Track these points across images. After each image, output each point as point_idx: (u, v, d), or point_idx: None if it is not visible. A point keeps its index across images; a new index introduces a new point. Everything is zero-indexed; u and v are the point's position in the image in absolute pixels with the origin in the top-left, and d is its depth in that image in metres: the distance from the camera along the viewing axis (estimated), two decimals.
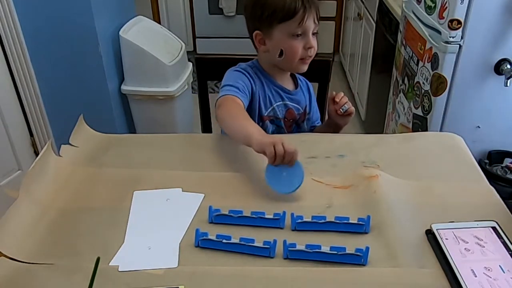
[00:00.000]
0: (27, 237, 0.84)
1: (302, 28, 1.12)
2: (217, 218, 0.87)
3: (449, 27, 1.38)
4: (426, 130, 1.55)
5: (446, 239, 0.80)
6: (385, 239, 0.82)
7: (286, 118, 1.25)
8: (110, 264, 0.78)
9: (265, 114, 1.23)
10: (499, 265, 0.75)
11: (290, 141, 0.91)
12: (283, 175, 0.93)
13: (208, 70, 1.48)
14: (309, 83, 1.34)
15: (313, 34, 1.15)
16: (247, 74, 1.20)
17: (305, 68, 1.20)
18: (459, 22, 1.36)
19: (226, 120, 1.07)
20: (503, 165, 1.55)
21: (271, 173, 0.94)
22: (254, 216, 0.86)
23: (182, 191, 0.96)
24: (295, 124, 1.28)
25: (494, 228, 0.82)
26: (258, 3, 1.15)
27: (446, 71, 1.44)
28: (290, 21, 1.12)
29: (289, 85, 1.27)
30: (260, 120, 1.23)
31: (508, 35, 1.36)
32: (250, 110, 1.20)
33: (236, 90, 1.13)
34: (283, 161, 0.91)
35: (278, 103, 1.23)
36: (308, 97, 1.32)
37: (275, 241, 0.79)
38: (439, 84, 1.46)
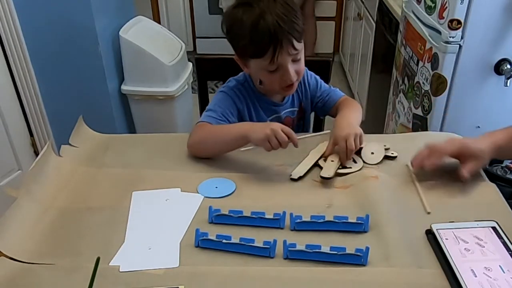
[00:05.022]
0: (27, 237, 0.84)
1: (276, 64, 1.04)
2: (217, 218, 0.87)
3: (449, 27, 1.38)
4: (426, 130, 1.55)
5: (446, 239, 0.80)
6: (385, 239, 0.82)
7: None
8: (110, 264, 0.78)
9: None
10: (499, 265, 0.75)
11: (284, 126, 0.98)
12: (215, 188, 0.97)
13: (208, 70, 1.48)
14: (307, 74, 1.25)
15: (294, 61, 1.07)
16: (232, 95, 1.16)
17: (290, 92, 1.15)
18: (459, 22, 1.36)
19: (205, 139, 1.06)
20: (503, 165, 1.54)
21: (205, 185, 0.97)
22: (254, 216, 0.86)
23: (181, 191, 0.96)
24: (296, 126, 1.27)
25: (494, 228, 0.82)
26: (231, 31, 1.08)
27: (446, 71, 1.43)
28: (260, 59, 1.04)
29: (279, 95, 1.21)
30: None
31: (508, 35, 1.36)
32: None
33: (214, 117, 1.11)
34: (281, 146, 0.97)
35: (271, 118, 1.21)
36: (303, 89, 1.25)
37: (275, 241, 0.79)
38: (439, 84, 1.46)
